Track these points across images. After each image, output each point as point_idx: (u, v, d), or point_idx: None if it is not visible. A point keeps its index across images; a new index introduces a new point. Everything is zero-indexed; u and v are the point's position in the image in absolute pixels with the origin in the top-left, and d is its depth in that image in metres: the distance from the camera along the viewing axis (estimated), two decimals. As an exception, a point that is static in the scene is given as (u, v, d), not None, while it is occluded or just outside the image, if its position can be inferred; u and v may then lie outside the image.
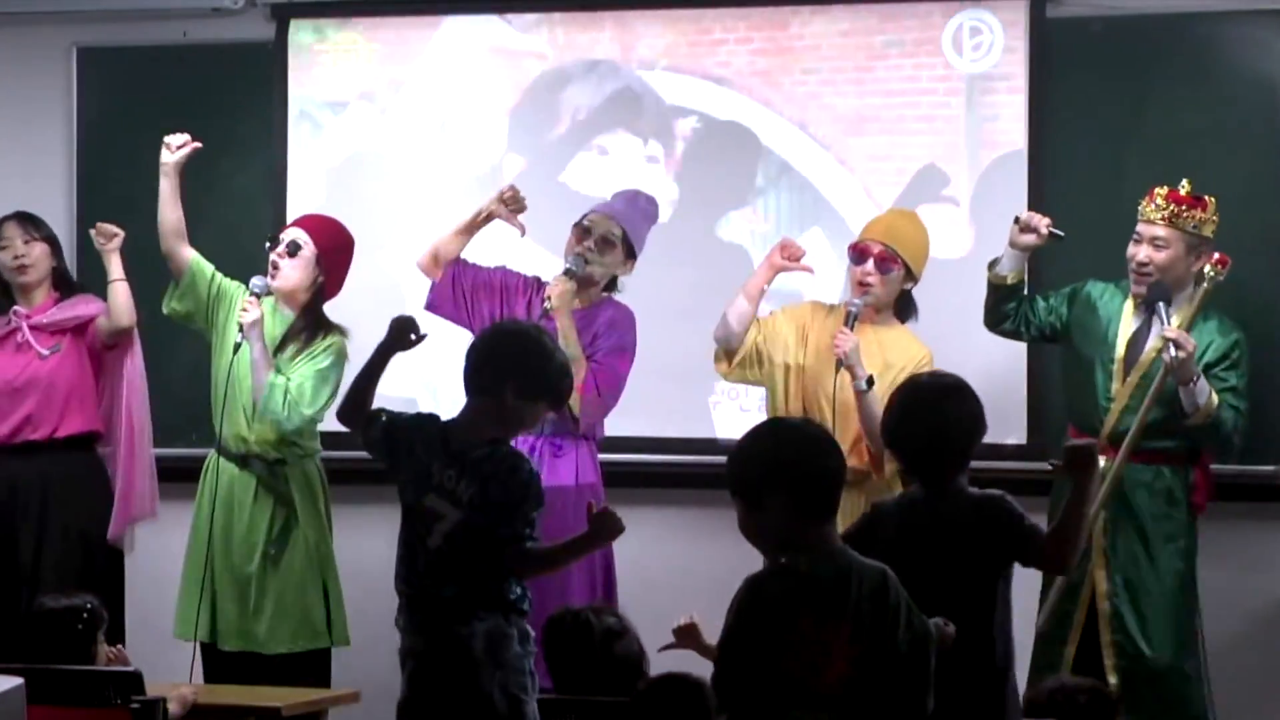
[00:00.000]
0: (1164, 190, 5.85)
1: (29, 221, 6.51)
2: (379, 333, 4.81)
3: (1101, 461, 5.62)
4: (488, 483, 4.59)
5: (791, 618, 3.86)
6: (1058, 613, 5.91)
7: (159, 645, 6.21)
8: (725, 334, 6.00)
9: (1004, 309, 6.01)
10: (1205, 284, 5.79)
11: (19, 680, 4.33)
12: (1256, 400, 5.96)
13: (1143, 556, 5.85)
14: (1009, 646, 4.36)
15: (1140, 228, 5.88)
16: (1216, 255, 5.80)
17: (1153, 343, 5.85)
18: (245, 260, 6.88)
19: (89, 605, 5.21)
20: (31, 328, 6.42)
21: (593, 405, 5.91)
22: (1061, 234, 5.88)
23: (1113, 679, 5.80)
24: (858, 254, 5.99)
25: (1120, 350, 5.90)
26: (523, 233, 6.03)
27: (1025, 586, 5.84)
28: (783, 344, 6.00)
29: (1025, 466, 6.30)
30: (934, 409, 4.50)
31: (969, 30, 6.49)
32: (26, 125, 7.18)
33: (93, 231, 6.37)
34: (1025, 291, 6.04)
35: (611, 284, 6.06)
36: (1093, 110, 6.41)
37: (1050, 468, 4.51)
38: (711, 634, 4.25)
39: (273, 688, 5.93)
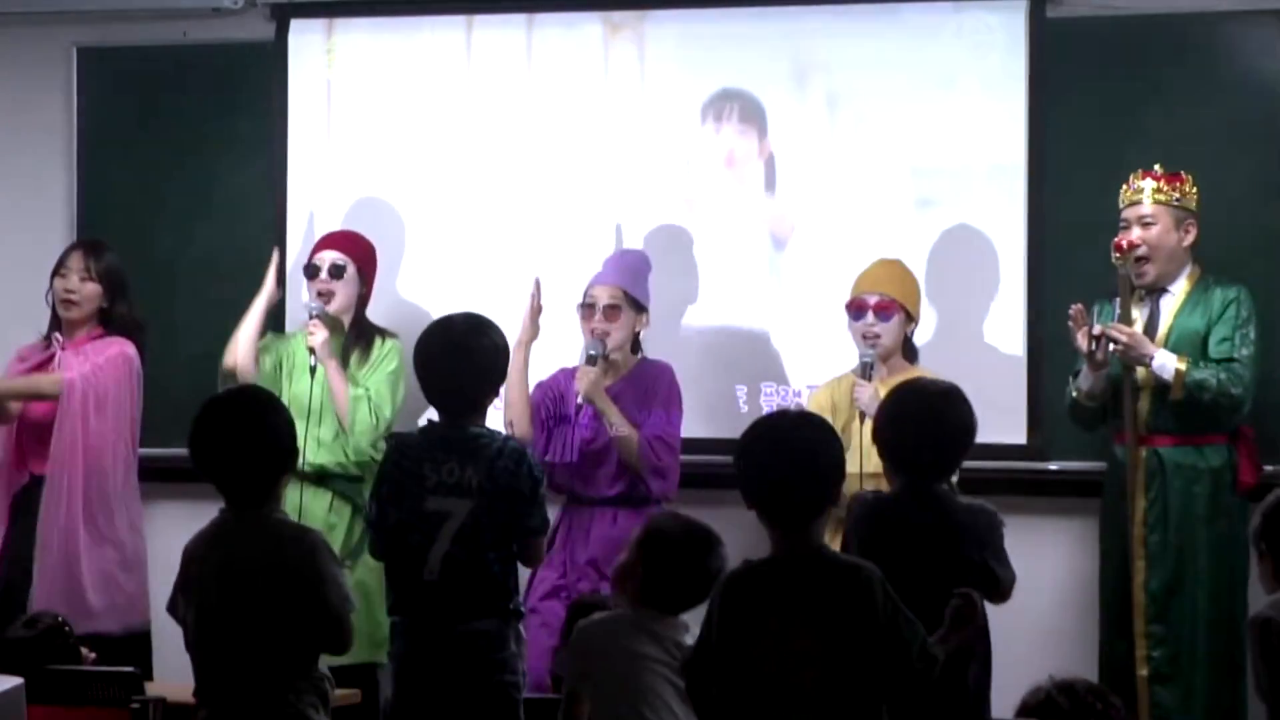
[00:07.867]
0: (1139, 173, 5.95)
1: (92, 256, 6.38)
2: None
3: (1144, 452, 5.81)
4: (493, 465, 4.75)
5: (760, 618, 3.85)
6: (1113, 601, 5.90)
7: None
8: None
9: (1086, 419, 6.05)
10: (1122, 272, 5.82)
11: (19, 680, 4.34)
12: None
13: (1180, 542, 5.79)
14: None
15: (1125, 213, 5.94)
16: (1126, 243, 5.82)
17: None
18: (245, 260, 6.87)
19: (59, 618, 5.17)
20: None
21: (655, 475, 5.96)
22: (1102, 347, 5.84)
23: (1143, 671, 5.77)
24: (855, 310, 6.02)
25: None
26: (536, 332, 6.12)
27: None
28: None
29: (1025, 466, 6.31)
30: (928, 412, 4.52)
31: (969, 30, 6.49)
32: (26, 125, 7.16)
33: None
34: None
35: (635, 344, 6.13)
36: (1093, 110, 6.39)
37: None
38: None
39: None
